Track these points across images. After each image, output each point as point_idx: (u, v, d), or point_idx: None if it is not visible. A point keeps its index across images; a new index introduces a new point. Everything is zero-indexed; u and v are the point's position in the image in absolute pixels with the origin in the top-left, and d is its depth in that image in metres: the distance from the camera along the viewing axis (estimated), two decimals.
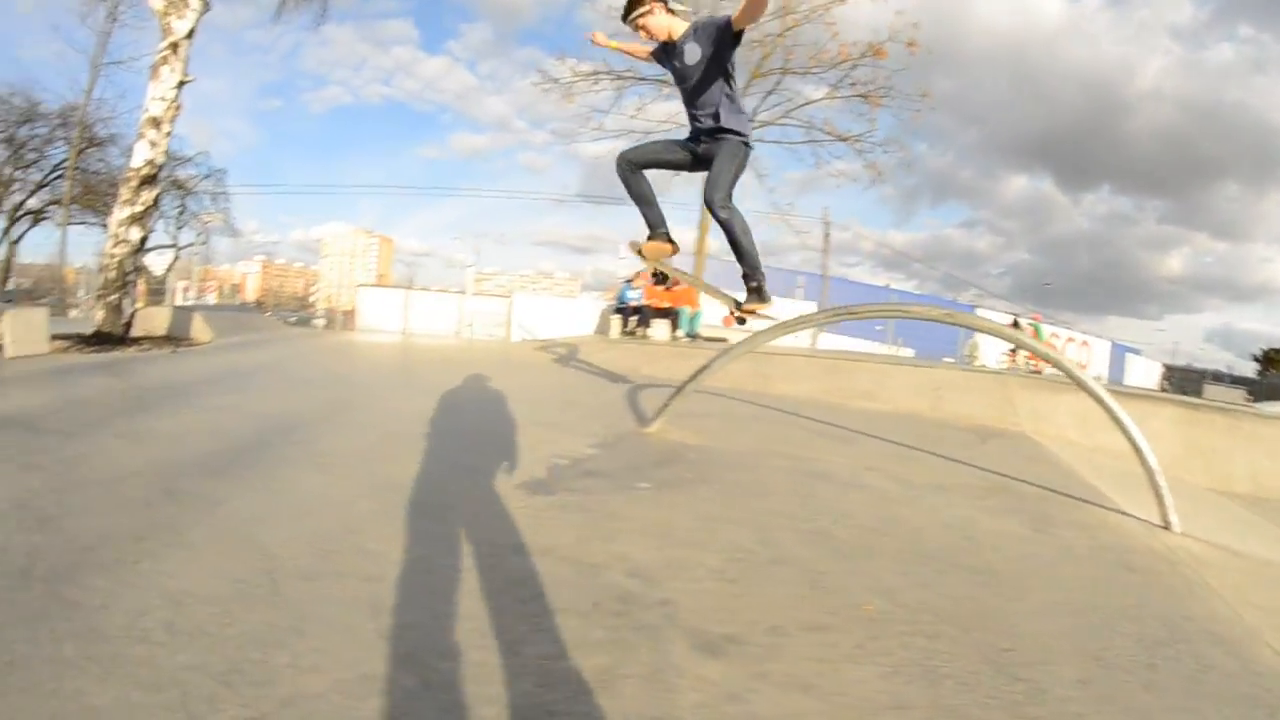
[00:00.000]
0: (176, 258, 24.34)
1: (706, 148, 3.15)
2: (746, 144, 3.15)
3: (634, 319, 11.17)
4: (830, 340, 16.41)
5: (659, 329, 10.96)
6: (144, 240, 6.92)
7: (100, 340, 6.31)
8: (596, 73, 14.46)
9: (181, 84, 7.02)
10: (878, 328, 19.00)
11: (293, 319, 19.64)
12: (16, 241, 21.87)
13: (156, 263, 21.73)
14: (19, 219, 21.60)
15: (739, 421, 4.75)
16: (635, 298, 11.40)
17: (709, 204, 3.15)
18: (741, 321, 3.87)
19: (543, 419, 4.11)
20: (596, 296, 22.60)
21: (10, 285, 20.94)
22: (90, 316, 7.73)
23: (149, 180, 6.76)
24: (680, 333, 11.06)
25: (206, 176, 23.12)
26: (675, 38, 3.07)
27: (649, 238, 3.46)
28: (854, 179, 15.33)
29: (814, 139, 15.15)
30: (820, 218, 22.35)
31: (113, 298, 6.59)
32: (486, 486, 2.68)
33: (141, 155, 6.75)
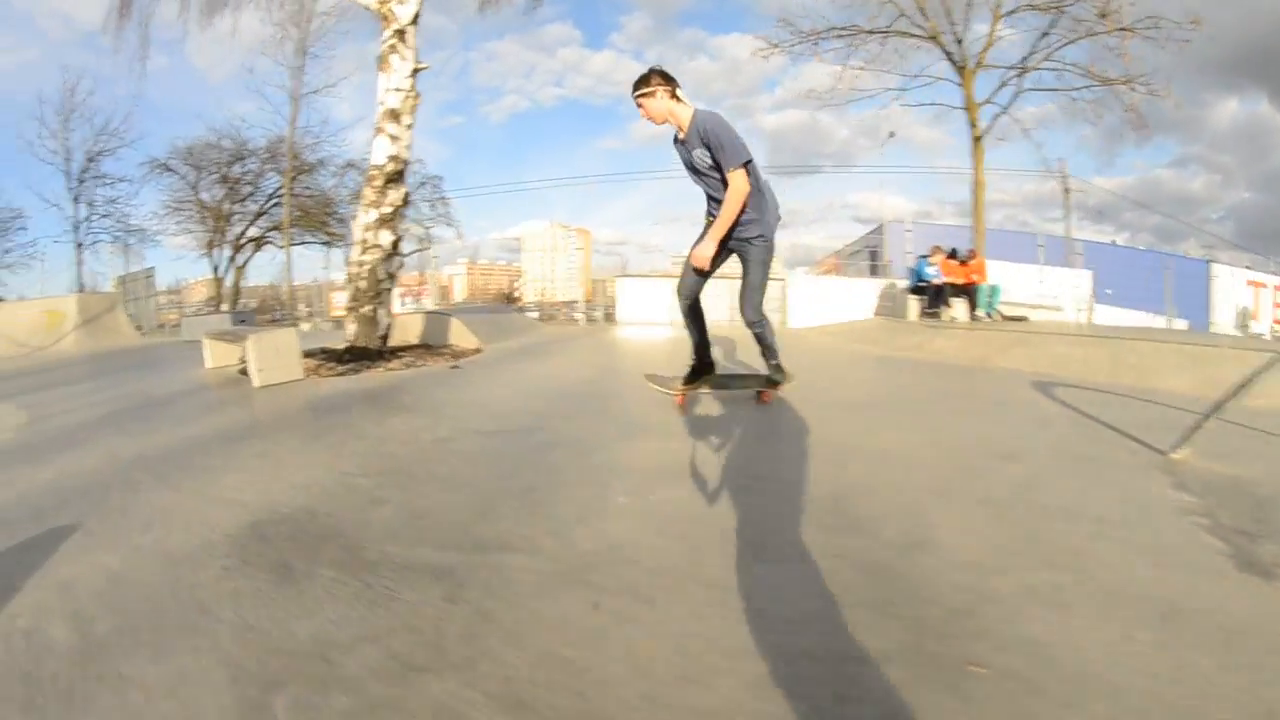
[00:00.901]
0: (401, 265, 25.89)
1: (733, 246, 3.11)
2: (769, 241, 3.11)
3: (930, 298, 9.92)
4: (1102, 314, 13.45)
5: (958, 308, 9.72)
6: (396, 244, 6.37)
7: (356, 356, 5.80)
8: (826, 31, 13.06)
9: (415, 71, 6.39)
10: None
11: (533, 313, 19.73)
12: (242, 267, 24.61)
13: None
14: (242, 247, 24.23)
15: None
16: (934, 275, 9.86)
17: (745, 320, 3.18)
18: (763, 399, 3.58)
19: (1039, 444, 2.61)
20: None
21: (239, 306, 23.60)
22: (322, 330, 7.49)
23: (395, 178, 6.18)
24: (980, 312, 9.62)
25: (422, 184, 24.12)
26: (683, 131, 3.03)
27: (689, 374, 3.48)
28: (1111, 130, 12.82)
29: (1067, 86, 12.49)
30: (1056, 170, 18.51)
31: (366, 309, 6.08)
32: None
33: (383, 151, 6.18)
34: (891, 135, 18.97)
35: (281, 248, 23.01)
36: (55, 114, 21.23)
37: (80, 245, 21.53)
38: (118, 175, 22.09)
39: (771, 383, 3.48)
